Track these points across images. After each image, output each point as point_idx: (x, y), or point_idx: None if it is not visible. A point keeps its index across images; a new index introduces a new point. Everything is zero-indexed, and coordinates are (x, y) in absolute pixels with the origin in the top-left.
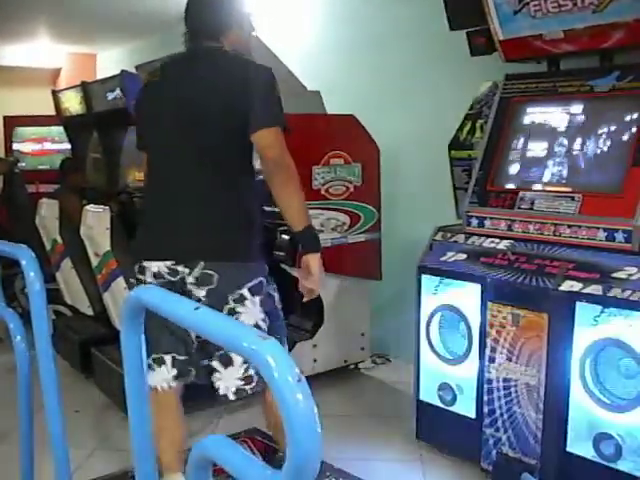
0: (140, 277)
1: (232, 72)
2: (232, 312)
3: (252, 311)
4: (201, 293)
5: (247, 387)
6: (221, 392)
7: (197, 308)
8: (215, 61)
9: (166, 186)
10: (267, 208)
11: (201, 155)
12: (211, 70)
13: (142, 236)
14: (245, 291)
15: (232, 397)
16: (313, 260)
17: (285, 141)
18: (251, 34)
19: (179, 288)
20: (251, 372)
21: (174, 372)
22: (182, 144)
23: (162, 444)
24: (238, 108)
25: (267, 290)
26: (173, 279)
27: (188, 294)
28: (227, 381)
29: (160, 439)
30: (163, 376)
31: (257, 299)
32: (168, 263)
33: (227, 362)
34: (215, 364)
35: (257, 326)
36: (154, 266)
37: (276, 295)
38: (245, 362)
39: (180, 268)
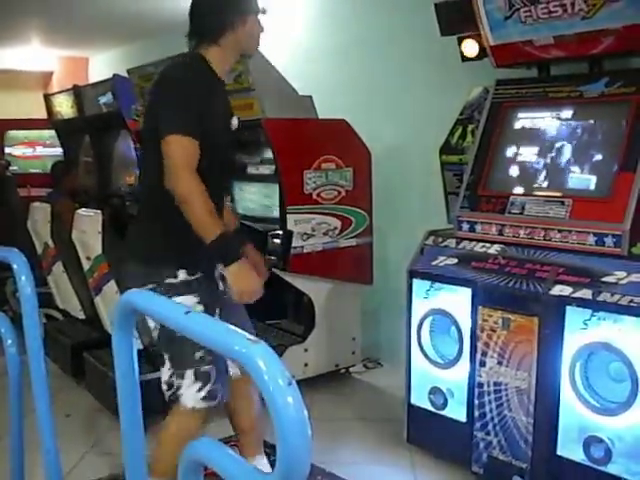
0: None
1: (157, 81)
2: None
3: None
4: None
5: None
6: None
7: (187, 312)
8: (164, 68)
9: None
10: (258, 214)
11: (146, 164)
12: (156, 79)
13: None
14: None
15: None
16: (228, 273)
17: (187, 150)
18: (260, 32)
19: None
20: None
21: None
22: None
23: None
24: (155, 117)
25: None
26: None
27: None
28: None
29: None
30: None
31: None
32: None
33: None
34: None
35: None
36: None
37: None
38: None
39: None
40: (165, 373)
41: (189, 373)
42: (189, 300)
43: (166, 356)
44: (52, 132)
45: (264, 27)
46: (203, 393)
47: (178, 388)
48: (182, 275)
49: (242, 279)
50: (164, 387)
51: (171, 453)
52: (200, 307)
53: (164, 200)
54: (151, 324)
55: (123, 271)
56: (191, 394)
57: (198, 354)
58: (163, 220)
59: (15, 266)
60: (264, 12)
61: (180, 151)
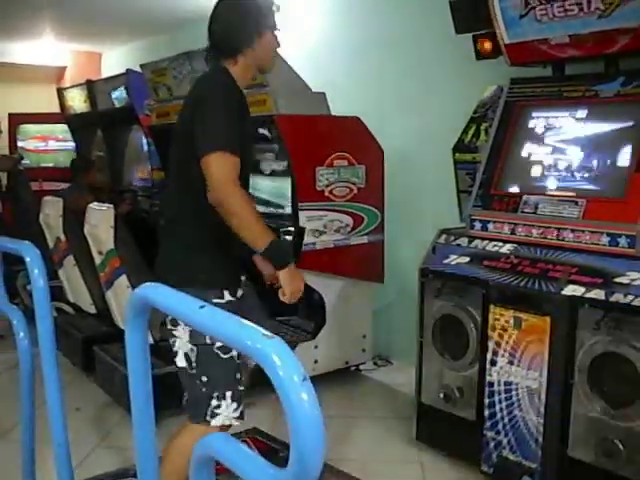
0: None
1: (192, 96)
2: (172, 336)
3: (183, 338)
4: None
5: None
6: None
7: (202, 307)
8: (198, 82)
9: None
10: (270, 210)
11: (176, 181)
12: (191, 93)
13: None
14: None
15: None
16: (282, 276)
17: (230, 165)
18: (273, 51)
19: None
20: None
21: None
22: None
23: None
24: (192, 135)
25: None
26: None
27: None
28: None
29: None
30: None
31: (188, 327)
32: None
33: None
34: None
35: (186, 355)
36: None
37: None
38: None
39: None
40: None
41: (229, 394)
42: None
43: (204, 378)
44: (64, 126)
45: (280, 43)
46: (237, 413)
47: (218, 407)
48: (227, 296)
49: (293, 281)
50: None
51: (185, 466)
52: None
53: (207, 218)
54: (186, 347)
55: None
56: (228, 413)
57: (238, 375)
58: (207, 238)
59: (28, 259)
60: (278, 29)
61: (228, 167)
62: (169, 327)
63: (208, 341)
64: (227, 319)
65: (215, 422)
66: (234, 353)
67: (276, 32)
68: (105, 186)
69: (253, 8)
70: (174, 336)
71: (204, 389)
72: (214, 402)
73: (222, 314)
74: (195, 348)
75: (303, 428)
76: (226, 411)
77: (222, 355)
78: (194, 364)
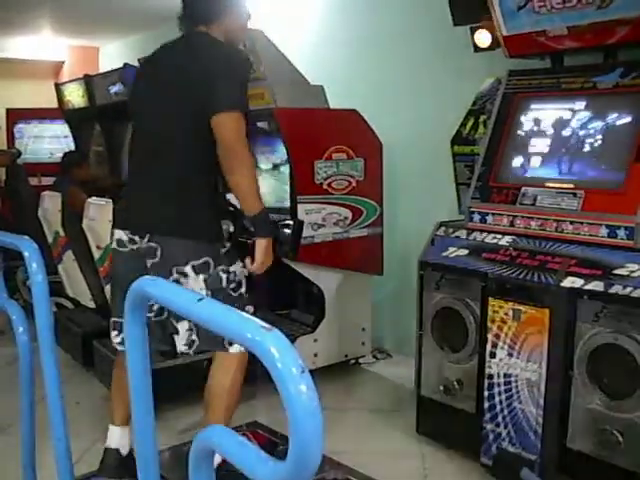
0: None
1: (203, 55)
2: (177, 283)
3: (194, 288)
4: (149, 263)
5: (190, 351)
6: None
7: (200, 299)
8: (191, 45)
9: (138, 164)
10: (269, 204)
11: (165, 137)
12: (186, 54)
13: (117, 209)
14: (188, 268)
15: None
16: (259, 244)
17: (244, 126)
18: (246, 23)
19: (136, 256)
20: (194, 337)
21: (118, 339)
22: (152, 127)
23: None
24: (202, 91)
25: (216, 271)
26: (132, 247)
27: (144, 263)
28: (178, 344)
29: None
30: (112, 336)
31: (200, 277)
32: (127, 232)
33: (174, 331)
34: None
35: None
36: (117, 234)
37: (225, 276)
38: (189, 329)
39: (136, 238)
40: (182, 338)
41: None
42: (239, 266)
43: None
44: (62, 121)
45: (251, 15)
46: None
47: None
48: (226, 244)
49: (268, 253)
50: (183, 349)
51: (234, 404)
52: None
53: (205, 176)
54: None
55: (164, 251)
56: None
57: (247, 308)
58: (205, 195)
59: (26, 254)
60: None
61: (243, 127)
62: (175, 277)
63: (224, 284)
64: (225, 311)
65: (233, 348)
66: (242, 290)
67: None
68: (104, 180)
69: None
70: (179, 284)
71: (181, 333)
72: None
73: (220, 306)
74: (210, 293)
75: (302, 420)
76: None
77: (233, 294)
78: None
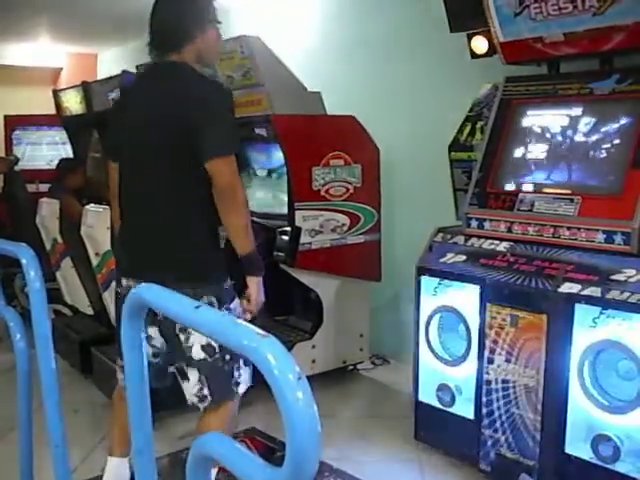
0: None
1: (188, 96)
2: (184, 332)
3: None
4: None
5: (200, 405)
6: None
7: (197, 307)
8: (173, 83)
9: (132, 210)
10: (266, 210)
11: (158, 179)
12: (169, 94)
13: (117, 254)
14: None
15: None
16: (251, 283)
17: (236, 168)
18: (219, 39)
19: None
20: (205, 392)
21: (122, 375)
22: (142, 168)
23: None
24: (194, 134)
25: (221, 309)
26: None
27: None
28: (187, 392)
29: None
30: (119, 378)
31: None
32: (136, 280)
33: (183, 377)
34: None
35: (209, 345)
36: (124, 281)
37: (232, 313)
38: (199, 381)
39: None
40: (193, 387)
41: (242, 361)
42: (238, 302)
43: (227, 357)
44: (60, 128)
45: (222, 36)
46: (250, 373)
47: (239, 376)
48: (229, 281)
49: (260, 291)
50: (194, 400)
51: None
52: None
53: (204, 216)
54: (204, 338)
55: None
56: (246, 377)
57: None
58: (207, 236)
59: (24, 261)
60: (220, 22)
61: (235, 168)
62: (180, 327)
63: None
64: (222, 319)
65: (240, 389)
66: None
67: (218, 26)
68: (101, 187)
69: (198, 0)
70: (187, 332)
71: (226, 367)
72: (236, 373)
73: (217, 314)
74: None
75: (299, 427)
76: (245, 375)
77: None
78: (217, 349)
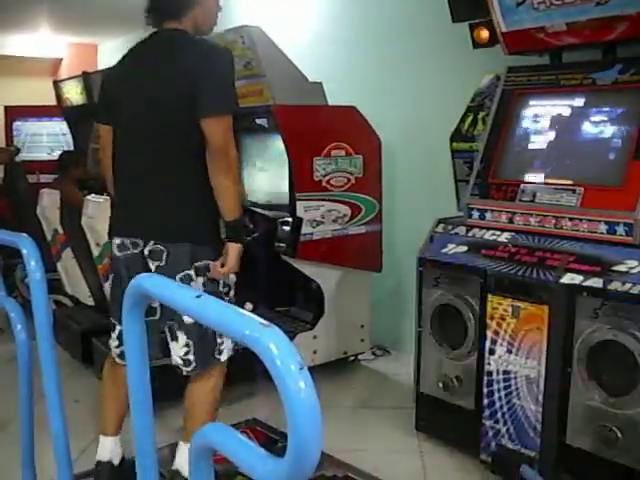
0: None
1: (184, 58)
2: None
3: None
4: (153, 266)
5: (183, 368)
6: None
7: (199, 296)
8: (174, 47)
9: (128, 174)
10: (267, 201)
11: (156, 142)
12: (169, 58)
13: (113, 218)
14: (192, 271)
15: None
16: (232, 249)
17: (231, 130)
18: (217, 12)
19: (139, 258)
20: (190, 357)
21: (118, 351)
22: (141, 131)
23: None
24: (192, 95)
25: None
26: (135, 250)
27: (146, 264)
28: (173, 351)
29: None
30: (112, 345)
31: (200, 280)
32: (131, 239)
33: (173, 337)
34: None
35: None
36: (117, 240)
37: (222, 280)
38: (186, 345)
39: (139, 241)
40: (180, 349)
41: None
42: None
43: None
44: (61, 118)
45: (221, 6)
46: (233, 342)
47: (222, 343)
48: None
49: (238, 258)
50: (179, 362)
51: (211, 413)
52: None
53: (202, 177)
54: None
55: (170, 254)
56: (228, 344)
57: (233, 300)
58: (203, 197)
59: (25, 251)
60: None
61: (230, 130)
62: (181, 279)
63: (220, 288)
64: (223, 308)
65: (223, 357)
66: (232, 294)
67: None
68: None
69: None
70: None
71: (211, 331)
72: (219, 339)
73: (218, 303)
74: None
75: (300, 417)
76: (226, 342)
77: (225, 298)
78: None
